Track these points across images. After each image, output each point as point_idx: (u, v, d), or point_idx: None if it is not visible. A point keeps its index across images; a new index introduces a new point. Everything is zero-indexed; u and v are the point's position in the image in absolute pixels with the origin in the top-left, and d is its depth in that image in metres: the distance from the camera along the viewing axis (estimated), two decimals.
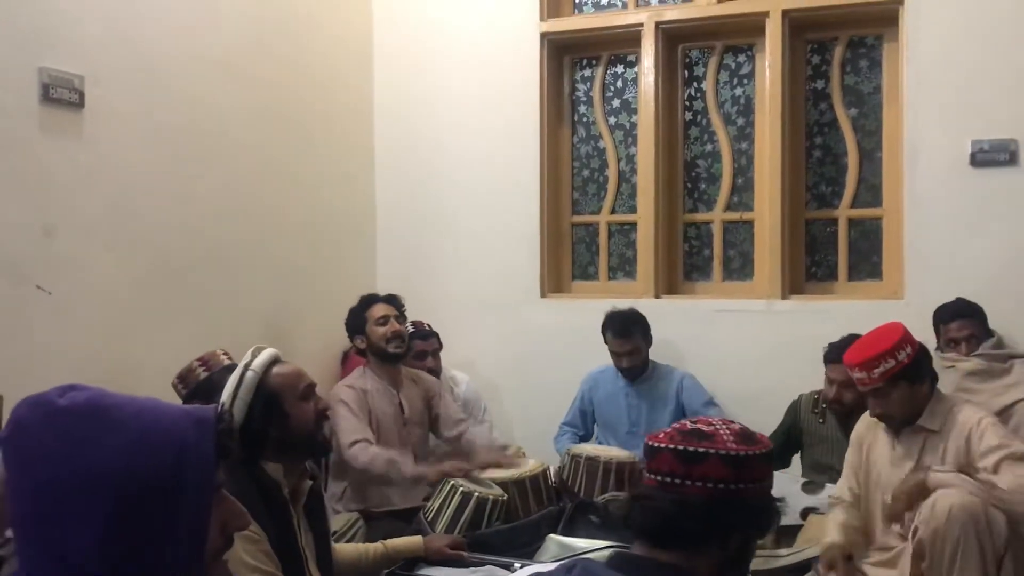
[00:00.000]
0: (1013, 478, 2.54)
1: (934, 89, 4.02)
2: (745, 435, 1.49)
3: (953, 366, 3.36)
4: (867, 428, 2.98)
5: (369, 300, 3.81)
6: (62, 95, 3.04)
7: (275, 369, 2.20)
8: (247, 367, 2.17)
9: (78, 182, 3.12)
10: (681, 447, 1.44)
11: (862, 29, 4.35)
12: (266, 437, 2.12)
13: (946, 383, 3.28)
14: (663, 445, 1.46)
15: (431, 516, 3.09)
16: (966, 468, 2.67)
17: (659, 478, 1.45)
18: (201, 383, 2.95)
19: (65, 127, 3.08)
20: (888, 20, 4.20)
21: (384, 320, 3.71)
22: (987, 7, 3.94)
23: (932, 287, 3.92)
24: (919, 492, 2.60)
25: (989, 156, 3.93)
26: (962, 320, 3.56)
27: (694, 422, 1.50)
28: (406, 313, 3.87)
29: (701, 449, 1.44)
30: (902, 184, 4.11)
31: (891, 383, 2.74)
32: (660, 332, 4.26)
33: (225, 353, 3.05)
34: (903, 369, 2.74)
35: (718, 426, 1.48)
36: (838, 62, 4.39)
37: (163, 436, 1.03)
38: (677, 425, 1.50)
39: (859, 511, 2.95)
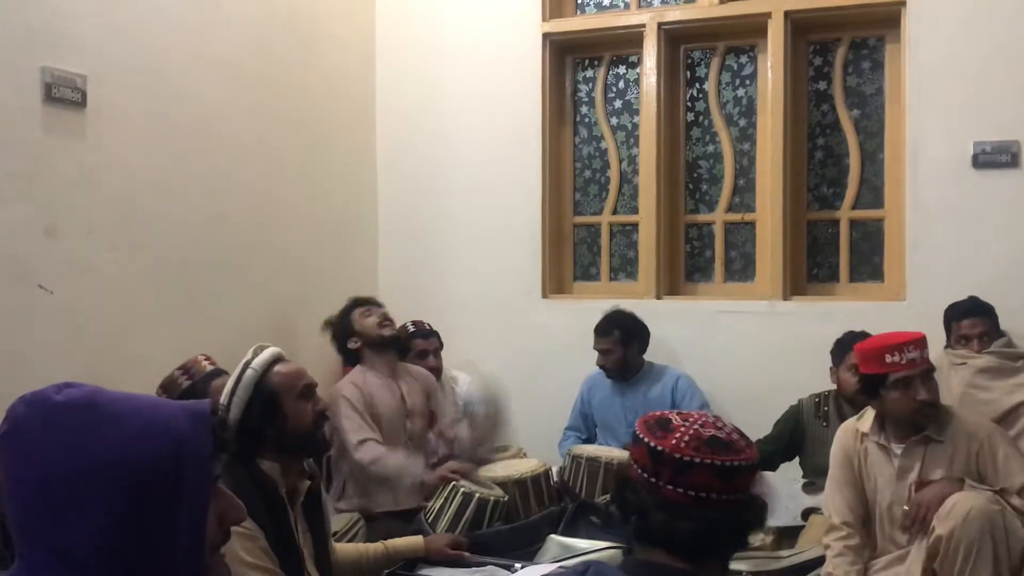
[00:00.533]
0: None
1: (936, 91, 4.01)
2: (746, 437, 1.49)
3: (965, 363, 3.34)
4: (853, 440, 2.91)
5: (348, 306, 3.85)
6: (64, 95, 3.04)
7: (276, 368, 2.20)
8: (247, 365, 2.18)
9: (80, 182, 3.13)
10: (719, 462, 1.41)
11: (864, 30, 4.35)
12: (263, 436, 2.13)
13: (956, 380, 3.28)
14: (696, 459, 1.42)
15: (432, 516, 3.09)
16: (977, 479, 2.67)
17: (693, 493, 1.41)
18: (184, 392, 2.91)
19: (67, 127, 3.08)
20: (890, 21, 4.20)
21: (368, 312, 3.78)
22: (989, 9, 3.94)
23: (934, 289, 3.91)
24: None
25: (991, 158, 3.93)
26: (975, 318, 3.55)
27: (702, 426, 1.47)
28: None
29: (737, 463, 1.43)
30: (904, 185, 4.11)
31: (922, 372, 2.74)
32: (661, 333, 4.27)
33: (207, 359, 3.03)
34: None
35: (728, 430, 1.47)
36: (840, 63, 4.38)
37: (160, 429, 1.03)
38: (691, 432, 1.45)
39: (860, 531, 2.88)
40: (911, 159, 4.07)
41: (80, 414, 1.02)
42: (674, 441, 1.44)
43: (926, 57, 4.03)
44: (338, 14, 4.63)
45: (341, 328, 3.80)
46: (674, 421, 1.49)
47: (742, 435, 1.49)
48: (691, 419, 1.49)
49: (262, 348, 2.24)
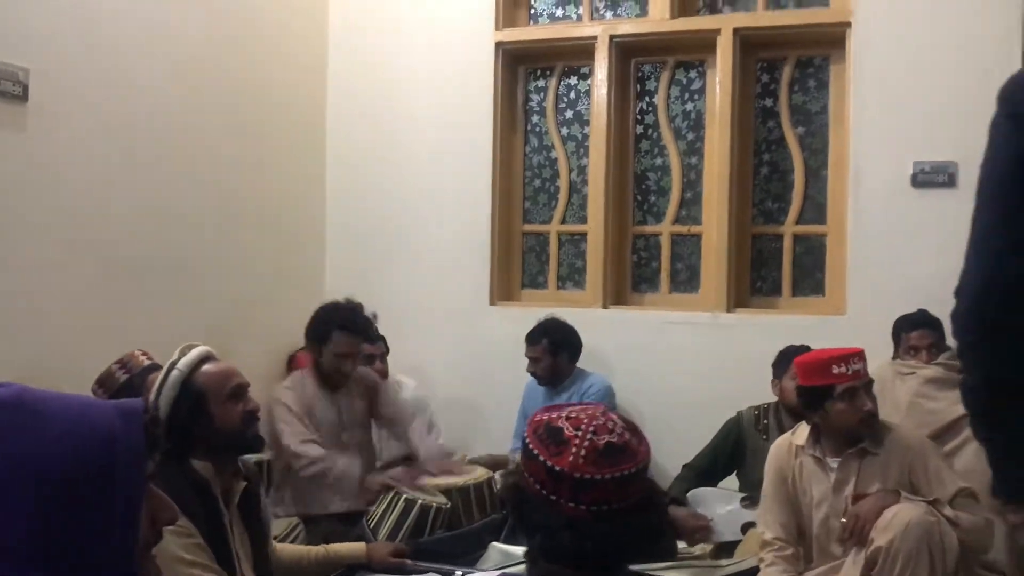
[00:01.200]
0: (968, 516, 2.63)
1: (878, 110, 4.11)
2: (637, 430, 1.46)
3: (913, 372, 3.41)
4: (788, 455, 2.95)
5: (335, 322, 3.61)
6: (5, 87, 2.98)
7: (203, 368, 2.20)
8: (173, 365, 2.17)
9: (21, 177, 3.06)
10: (618, 474, 1.38)
11: (810, 50, 4.44)
12: (192, 435, 2.12)
13: (903, 390, 3.35)
14: (597, 476, 1.37)
15: (374, 522, 3.08)
16: (910, 491, 2.73)
17: (596, 508, 1.37)
18: (122, 386, 2.87)
19: (8, 120, 3.02)
20: (836, 42, 4.29)
21: (351, 353, 3.61)
22: (930, 33, 4.04)
23: (873, 304, 4.00)
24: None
25: (929, 177, 4.03)
26: (924, 329, 3.63)
27: (595, 432, 1.40)
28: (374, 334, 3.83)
29: (634, 469, 1.40)
30: (846, 202, 4.20)
31: (867, 384, 2.81)
32: (608, 342, 4.33)
33: (144, 354, 2.99)
34: None
35: (620, 430, 1.43)
36: (787, 81, 4.47)
37: (92, 427, 1.02)
38: (587, 444, 1.39)
39: (795, 544, 2.92)
40: (853, 177, 4.15)
41: (9, 413, 1.01)
42: (571, 458, 1.39)
43: (869, 78, 4.12)
44: (291, 16, 4.59)
45: (316, 338, 3.64)
46: (566, 431, 1.42)
47: (633, 430, 1.44)
48: (583, 425, 1.41)
49: (189, 348, 2.23)
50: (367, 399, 3.78)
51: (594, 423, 1.42)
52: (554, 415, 1.46)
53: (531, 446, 1.44)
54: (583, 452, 1.39)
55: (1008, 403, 1.47)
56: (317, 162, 4.85)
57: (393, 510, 3.05)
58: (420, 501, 3.04)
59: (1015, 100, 1.44)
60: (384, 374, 4.14)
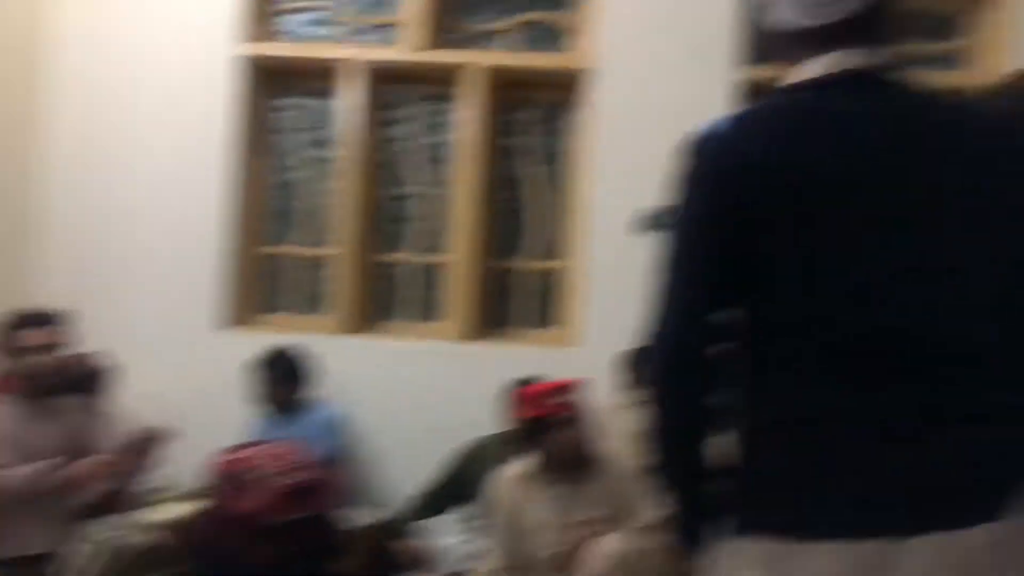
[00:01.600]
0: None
1: (615, 155, 4.32)
2: (312, 463, 1.42)
3: (636, 403, 3.54)
4: (512, 485, 2.97)
5: (23, 321, 3.32)
6: None
7: None
8: None
9: None
10: (306, 515, 1.33)
11: (556, 92, 4.59)
12: None
13: (628, 419, 3.46)
14: (281, 519, 1.30)
15: (70, 563, 2.80)
16: (625, 518, 2.82)
17: (281, 551, 1.31)
18: None
19: None
20: (579, 87, 4.47)
21: (39, 349, 3.28)
22: (666, 84, 4.30)
23: (606, 337, 4.14)
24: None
25: (660, 220, 4.26)
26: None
27: (277, 473, 1.35)
28: (63, 326, 3.48)
29: (322, 511, 1.36)
30: (583, 240, 4.37)
31: (580, 415, 2.88)
32: (350, 370, 4.24)
33: None
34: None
35: (300, 464, 1.39)
36: (532, 121, 4.61)
37: None
38: (271, 487, 1.33)
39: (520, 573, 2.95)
40: (590, 216, 4.34)
41: None
42: (254, 502, 1.32)
43: (608, 123, 4.34)
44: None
45: (7, 352, 3.27)
46: (250, 473, 1.35)
47: (324, 468, 1.41)
48: (261, 464, 1.36)
49: None
50: (80, 427, 3.45)
51: (275, 463, 1.34)
52: (238, 456, 1.37)
53: (214, 489, 1.33)
54: (267, 495, 1.30)
55: (676, 451, 1.47)
56: (27, 175, 4.42)
57: (92, 550, 2.78)
58: (122, 539, 2.79)
59: (708, 155, 1.44)
60: (105, 403, 3.81)
